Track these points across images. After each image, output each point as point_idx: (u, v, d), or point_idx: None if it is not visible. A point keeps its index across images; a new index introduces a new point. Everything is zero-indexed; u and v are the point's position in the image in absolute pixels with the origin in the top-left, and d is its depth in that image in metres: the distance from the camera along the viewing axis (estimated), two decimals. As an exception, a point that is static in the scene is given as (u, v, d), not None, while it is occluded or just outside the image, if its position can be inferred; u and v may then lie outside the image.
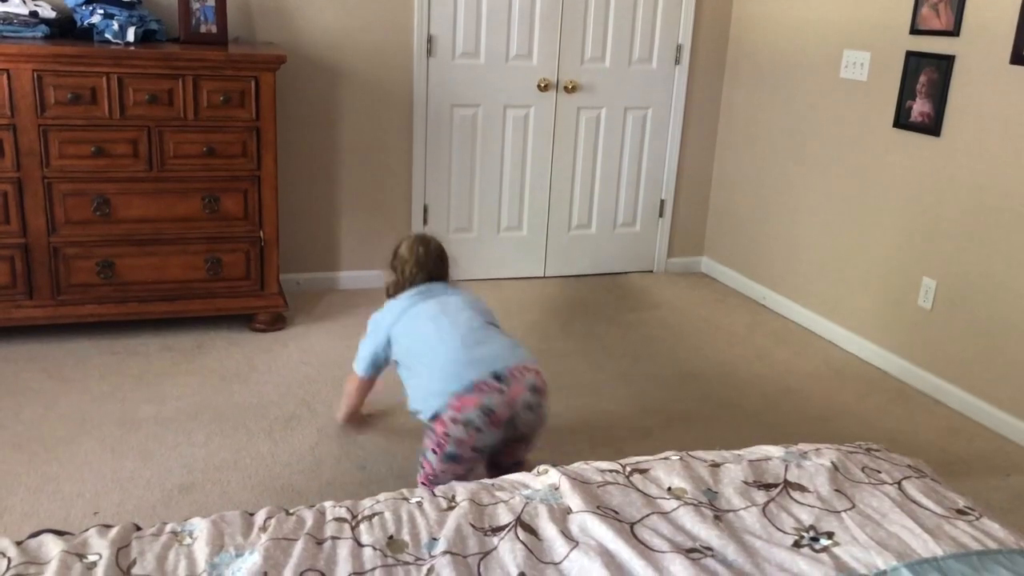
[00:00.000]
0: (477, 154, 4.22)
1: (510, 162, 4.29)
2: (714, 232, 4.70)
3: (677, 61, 4.42)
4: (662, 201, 4.62)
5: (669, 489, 1.61)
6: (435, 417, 2.35)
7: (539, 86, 4.19)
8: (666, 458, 1.70)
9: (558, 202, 4.42)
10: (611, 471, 1.62)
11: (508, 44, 4.11)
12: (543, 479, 1.60)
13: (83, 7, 3.32)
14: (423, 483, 2.41)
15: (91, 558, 1.28)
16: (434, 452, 2.36)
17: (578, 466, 1.65)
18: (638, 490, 1.56)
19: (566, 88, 4.24)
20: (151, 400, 2.97)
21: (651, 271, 4.70)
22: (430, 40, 3.99)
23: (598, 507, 1.49)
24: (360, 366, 2.69)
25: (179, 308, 3.47)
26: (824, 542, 1.50)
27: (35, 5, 3.27)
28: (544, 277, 4.49)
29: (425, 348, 2.47)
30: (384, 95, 4.00)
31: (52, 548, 1.29)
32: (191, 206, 3.37)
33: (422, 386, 2.43)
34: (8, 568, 1.24)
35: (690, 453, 1.74)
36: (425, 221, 4.22)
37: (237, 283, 3.53)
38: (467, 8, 4.00)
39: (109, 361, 3.24)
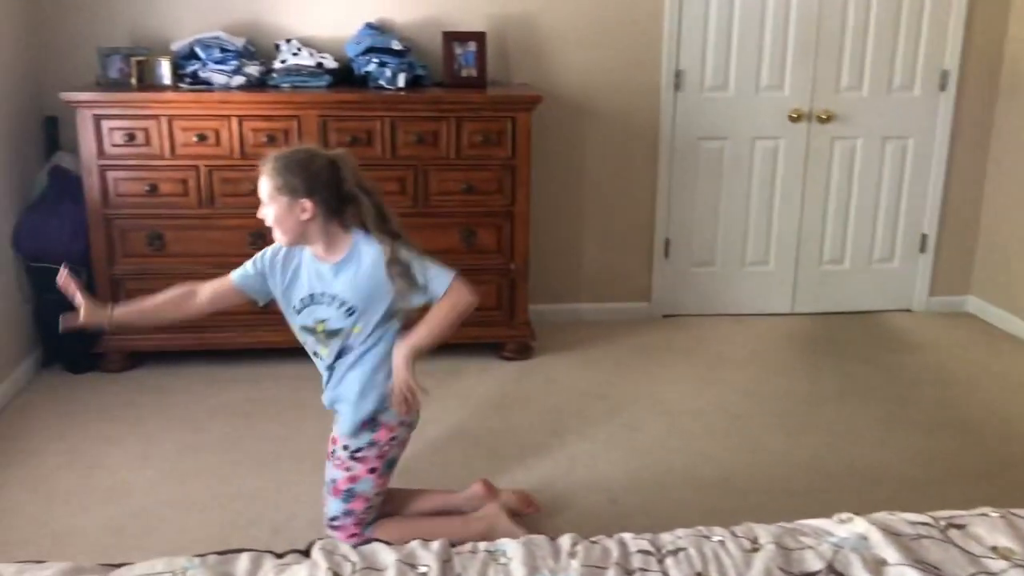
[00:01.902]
0: (723, 187, 4.16)
1: (757, 195, 4.18)
2: (983, 269, 4.32)
3: (942, 87, 4.14)
4: (923, 235, 4.32)
5: (994, 548, 1.49)
6: (373, 421, 2.23)
7: (790, 117, 4.07)
8: (984, 514, 1.58)
9: (808, 236, 4.25)
10: (923, 524, 1.53)
11: (758, 75, 4.03)
12: (848, 527, 1.54)
13: (361, 57, 3.62)
14: (352, 536, 2.27)
15: (421, 568, 1.39)
16: (371, 472, 2.24)
17: (884, 516, 1.57)
18: (958, 546, 1.46)
19: (820, 118, 4.09)
20: (412, 422, 3.14)
21: (909, 310, 4.40)
22: (678, 74, 3.99)
23: (917, 561, 1.41)
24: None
25: (436, 335, 3.67)
26: None
27: (320, 57, 3.61)
28: (792, 314, 4.32)
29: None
30: (630, 130, 4.05)
31: (386, 557, 1.41)
32: (450, 239, 3.57)
33: (379, 376, 2.23)
34: (353, 571, 1.37)
35: (1011, 511, 1.61)
36: (667, 254, 4.20)
37: (489, 313, 3.68)
38: (717, 41, 3.98)
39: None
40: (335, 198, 2.14)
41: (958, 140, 4.22)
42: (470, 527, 2.36)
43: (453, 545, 1.48)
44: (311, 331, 2.26)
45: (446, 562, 1.41)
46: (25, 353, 3.48)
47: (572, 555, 1.46)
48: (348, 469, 2.26)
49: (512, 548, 1.46)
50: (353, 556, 1.43)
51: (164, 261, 3.47)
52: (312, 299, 2.22)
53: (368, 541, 2.18)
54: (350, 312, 2.18)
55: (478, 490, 2.51)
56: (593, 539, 1.52)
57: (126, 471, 2.82)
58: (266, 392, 3.38)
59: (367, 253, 2.17)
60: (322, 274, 2.21)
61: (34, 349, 3.54)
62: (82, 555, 2.31)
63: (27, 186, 3.56)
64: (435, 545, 1.46)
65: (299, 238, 2.18)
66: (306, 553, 1.51)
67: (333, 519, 2.31)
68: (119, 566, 1.49)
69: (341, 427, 2.27)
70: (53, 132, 3.68)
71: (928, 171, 4.24)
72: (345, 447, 2.26)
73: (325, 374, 2.31)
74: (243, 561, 1.47)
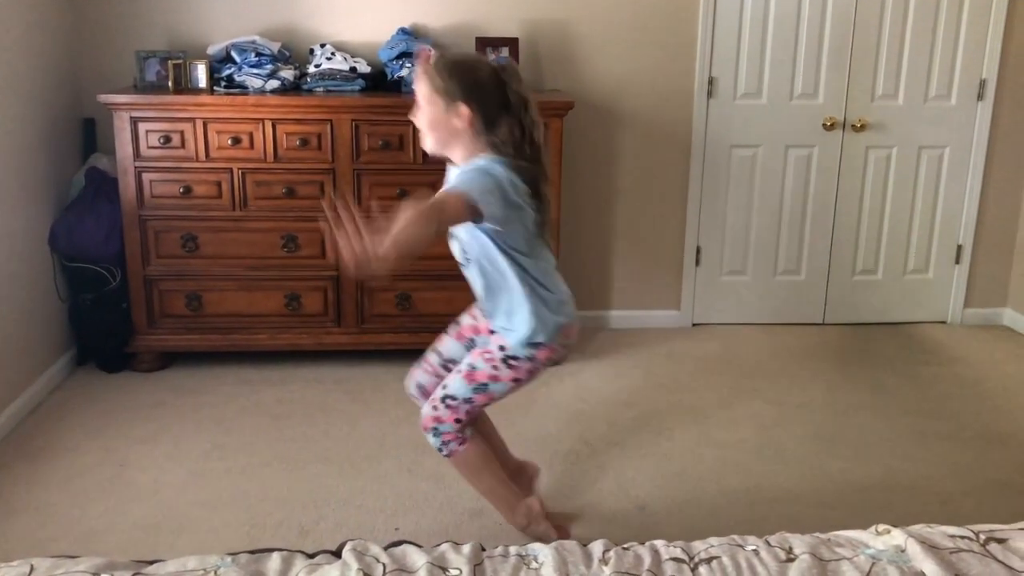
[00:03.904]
0: (755, 195, 4.13)
1: (789, 204, 4.15)
2: (1021, 282, 4.25)
3: (980, 96, 4.08)
4: (959, 247, 4.26)
5: None
6: (538, 345, 2.18)
7: (824, 125, 4.03)
8: None
9: (841, 246, 4.21)
10: (962, 537, 1.50)
11: (792, 83, 4.00)
12: (885, 539, 1.51)
13: (394, 62, 3.64)
14: (457, 422, 2.23)
15: (452, 572, 1.38)
16: (515, 382, 2.22)
17: (922, 528, 1.54)
18: (999, 561, 1.43)
19: (854, 127, 4.05)
20: (441, 426, 3.14)
21: (944, 322, 4.34)
22: (711, 82, 3.97)
23: (956, 575, 1.38)
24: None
25: (465, 340, 3.67)
26: None
27: (354, 61, 3.64)
28: (823, 324, 4.28)
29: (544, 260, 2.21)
30: (662, 137, 4.03)
31: (417, 559, 1.41)
32: (480, 244, 3.56)
33: (541, 306, 2.16)
34: (384, 572, 1.37)
35: (1055, 525, 1.58)
36: (698, 262, 4.17)
37: (518, 319, 3.67)
38: (751, 49, 3.95)
39: (402, 387, 3.48)
40: (494, 110, 2.02)
41: (995, 150, 4.16)
42: (516, 516, 2.41)
43: (483, 548, 1.47)
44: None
45: (477, 565, 1.40)
46: (60, 352, 3.52)
47: (604, 562, 1.44)
48: (495, 368, 2.21)
49: (543, 553, 1.45)
50: (384, 557, 1.42)
51: (197, 263, 3.50)
52: None
53: (463, 441, 2.26)
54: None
55: (533, 504, 2.46)
56: (625, 546, 1.51)
57: (157, 470, 2.84)
58: (295, 394, 3.40)
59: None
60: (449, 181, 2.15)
61: (69, 348, 3.59)
62: (113, 552, 2.33)
63: (64, 187, 3.61)
64: (466, 548, 1.45)
65: (446, 147, 2.09)
66: (337, 554, 1.51)
67: (451, 397, 2.23)
68: (151, 563, 1.50)
69: (509, 337, 2.20)
70: (91, 134, 3.73)
71: (964, 181, 4.19)
72: (502, 347, 2.20)
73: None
74: (274, 560, 1.47)
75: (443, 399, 2.24)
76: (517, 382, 2.24)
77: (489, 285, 2.19)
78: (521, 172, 2.05)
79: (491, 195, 1.97)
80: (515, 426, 3.17)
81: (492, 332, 2.27)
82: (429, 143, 2.11)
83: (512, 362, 2.20)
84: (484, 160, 2.06)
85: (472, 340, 2.36)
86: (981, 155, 4.15)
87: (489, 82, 2.03)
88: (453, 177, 2.14)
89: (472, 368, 2.24)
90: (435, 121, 2.05)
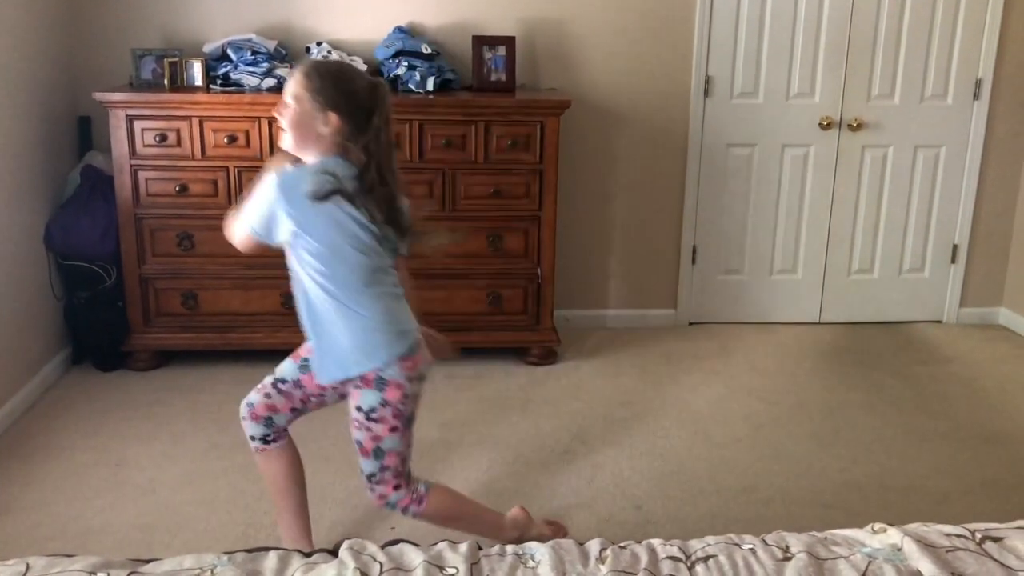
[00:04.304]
0: (751, 194, 4.13)
1: (786, 203, 4.15)
2: (1017, 281, 4.26)
3: (976, 96, 4.09)
4: (955, 246, 4.27)
5: None
6: (383, 384, 2.08)
7: (821, 124, 4.04)
8: (1021, 527, 1.55)
9: (837, 245, 4.21)
10: (958, 536, 1.50)
11: (789, 82, 4.01)
12: (882, 537, 1.52)
13: (390, 60, 3.63)
14: (396, 488, 2.16)
15: (449, 570, 1.38)
16: (394, 431, 2.10)
17: (918, 527, 1.54)
18: (995, 559, 1.43)
19: (850, 126, 4.05)
20: (437, 425, 3.14)
21: (940, 321, 4.35)
22: (708, 80, 3.97)
23: (953, 574, 1.39)
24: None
25: (462, 339, 3.63)
26: None
27: (350, 60, 3.62)
28: (819, 323, 4.28)
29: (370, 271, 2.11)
30: (658, 136, 4.03)
31: (414, 557, 1.41)
32: (477, 244, 3.57)
33: (366, 335, 2.09)
34: (382, 571, 1.36)
35: (1050, 524, 1.59)
36: (694, 261, 4.18)
37: (515, 317, 3.67)
38: (747, 47, 3.95)
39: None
40: (361, 125, 2.00)
41: (991, 150, 4.16)
42: (504, 532, 2.35)
43: (480, 548, 1.47)
44: None
45: (474, 564, 1.40)
46: (56, 350, 3.51)
47: (601, 560, 1.44)
48: (369, 430, 2.12)
49: (540, 552, 1.45)
50: (381, 556, 1.42)
51: (193, 261, 3.50)
52: None
53: (421, 499, 2.18)
54: None
55: (517, 514, 2.44)
56: (622, 544, 1.51)
57: (153, 469, 2.84)
58: (292, 393, 3.39)
59: None
60: None
61: (64, 346, 3.58)
62: (110, 551, 2.33)
63: (60, 184, 3.60)
64: (463, 547, 1.45)
65: (303, 148, 2.04)
66: (334, 553, 1.51)
67: (371, 476, 2.18)
68: (148, 561, 1.49)
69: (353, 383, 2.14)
70: (86, 132, 3.72)
71: (960, 181, 4.19)
72: (358, 408, 2.13)
73: None
74: (271, 559, 1.47)
75: (369, 480, 2.19)
76: (395, 430, 2.13)
77: (311, 313, 2.12)
78: (372, 191, 2.03)
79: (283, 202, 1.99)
80: (511, 425, 3.17)
81: (335, 390, 2.20)
82: (288, 141, 2.05)
83: (373, 415, 2.11)
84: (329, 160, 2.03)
85: (306, 361, 2.23)
86: (977, 155, 4.15)
87: (362, 96, 2.02)
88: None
89: (359, 444, 2.16)
90: (300, 123, 2.01)
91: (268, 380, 2.29)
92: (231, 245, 3.50)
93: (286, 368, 2.28)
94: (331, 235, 2.01)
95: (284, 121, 2.04)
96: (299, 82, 2.01)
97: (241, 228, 2.10)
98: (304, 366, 2.24)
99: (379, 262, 2.10)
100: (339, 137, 2.01)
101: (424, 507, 2.22)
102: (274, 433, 2.27)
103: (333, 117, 1.99)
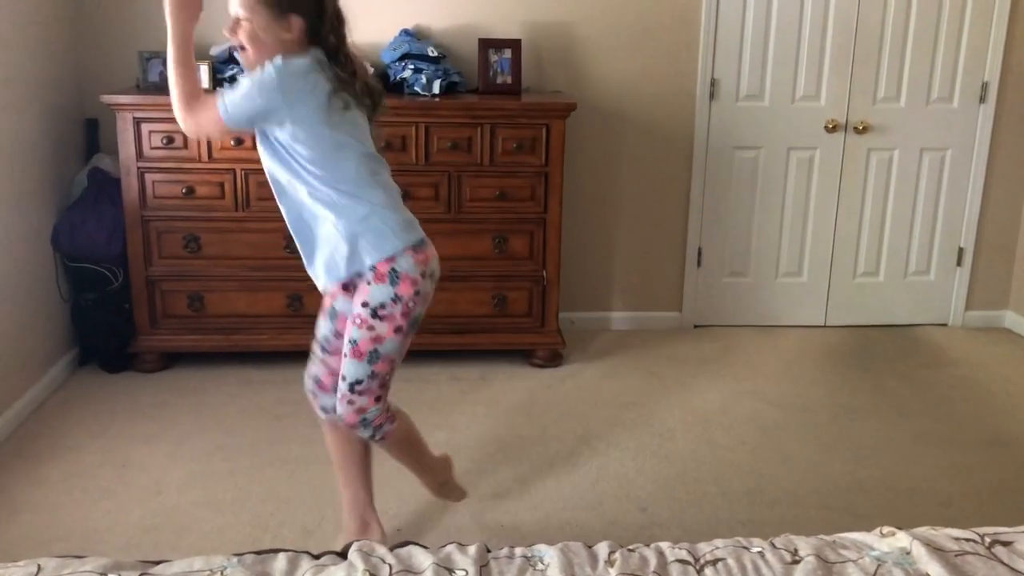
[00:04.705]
0: (757, 197, 4.13)
1: (791, 206, 4.15)
2: (1023, 284, 4.25)
3: (982, 99, 4.09)
4: (960, 249, 4.27)
5: None
6: (395, 277, 2.02)
7: (826, 127, 4.04)
8: None
9: (843, 248, 4.21)
10: (967, 540, 1.50)
11: (795, 85, 4.01)
12: (891, 541, 1.52)
13: (396, 63, 3.64)
14: (377, 400, 2.10)
15: (458, 573, 1.39)
16: (398, 331, 2.02)
17: (927, 531, 1.54)
18: (1004, 563, 1.43)
19: (856, 129, 4.05)
20: (443, 427, 3.15)
21: (945, 324, 4.34)
22: (713, 83, 3.98)
23: (962, 578, 1.39)
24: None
25: (466, 341, 3.67)
26: None
27: (357, 63, 3.64)
28: (825, 326, 4.28)
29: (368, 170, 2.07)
30: (664, 139, 4.03)
31: (423, 559, 1.42)
32: (482, 246, 3.57)
33: (376, 222, 2.04)
34: (391, 573, 1.37)
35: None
36: (699, 263, 4.18)
37: (519, 320, 3.68)
38: (753, 50, 3.96)
39: (404, 388, 3.46)
40: (316, 20, 1.96)
41: (997, 153, 4.16)
42: (440, 474, 2.49)
43: (488, 549, 1.47)
44: None
45: (483, 567, 1.41)
46: (62, 352, 3.52)
47: (610, 563, 1.45)
48: (371, 328, 2.03)
49: (549, 554, 1.46)
50: (390, 559, 1.43)
51: (200, 263, 3.51)
52: None
53: (393, 419, 2.16)
54: None
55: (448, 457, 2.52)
56: (631, 547, 1.51)
57: (159, 470, 2.85)
58: (297, 394, 3.36)
59: None
60: None
61: (71, 348, 3.59)
62: (116, 552, 2.34)
63: (67, 187, 3.61)
64: (472, 549, 1.46)
65: (267, 61, 1.96)
66: (343, 555, 1.51)
67: (356, 382, 2.08)
68: (158, 563, 1.50)
69: (360, 275, 2.09)
70: (93, 134, 3.74)
71: (966, 184, 4.19)
72: (365, 303, 2.04)
73: None
74: (280, 561, 1.47)
75: (351, 389, 2.09)
76: (400, 331, 2.05)
77: (299, 216, 2.11)
78: (355, 74, 2.01)
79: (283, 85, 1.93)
80: (516, 427, 3.18)
81: (345, 288, 2.12)
82: (249, 58, 1.98)
83: (381, 312, 2.03)
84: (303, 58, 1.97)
85: (333, 309, 2.18)
86: (983, 158, 4.15)
87: None
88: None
89: (353, 343, 2.07)
90: (261, 36, 1.95)
91: (315, 348, 2.26)
92: (238, 247, 3.52)
93: (322, 328, 2.24)
94: (340, 128, 1.98)
95: (241, 38, 1.98)
96: None
97: (213, 112, 1.98)
98: (332, 313, 2.19)
99: (373, 149, 2.10)
100: (302, 35, 1.97)
101: (395, 427, 2.18)
102: None
103: (295, 19, 1.96)
